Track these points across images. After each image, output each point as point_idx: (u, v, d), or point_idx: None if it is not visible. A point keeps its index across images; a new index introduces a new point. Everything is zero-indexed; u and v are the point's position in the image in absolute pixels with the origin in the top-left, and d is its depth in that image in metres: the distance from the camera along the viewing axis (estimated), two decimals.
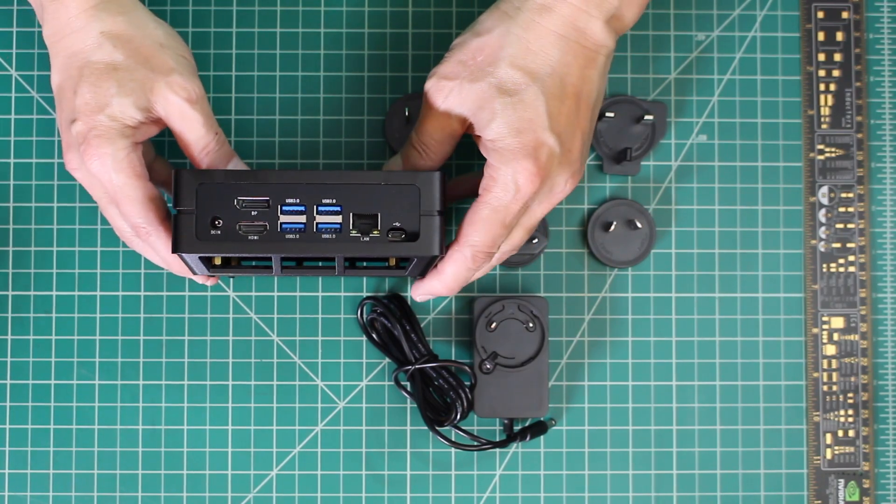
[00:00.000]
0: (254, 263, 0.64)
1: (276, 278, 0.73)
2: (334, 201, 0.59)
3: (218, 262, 0.62)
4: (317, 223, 0.59)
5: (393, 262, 0.63)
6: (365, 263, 0.67)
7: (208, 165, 0.62)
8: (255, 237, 0.59)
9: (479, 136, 0.60)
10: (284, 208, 0.59)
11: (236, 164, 0.63)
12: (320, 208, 0.59)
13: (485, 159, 0.60)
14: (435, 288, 0.65)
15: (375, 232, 0.60)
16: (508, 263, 0.72)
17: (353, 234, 0.59)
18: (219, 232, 0.59)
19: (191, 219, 0.59)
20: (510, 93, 0.58)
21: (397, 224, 0.60)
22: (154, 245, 0.63)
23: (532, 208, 0.61)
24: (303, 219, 0.59)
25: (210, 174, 0.59)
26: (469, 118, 0.60)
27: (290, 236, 0.59)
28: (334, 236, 0.59)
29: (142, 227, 0.62)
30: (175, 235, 0.59)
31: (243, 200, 0.59)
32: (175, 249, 0.59)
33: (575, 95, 0.60)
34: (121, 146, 0.60)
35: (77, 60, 0.61)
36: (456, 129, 0.61)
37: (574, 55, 0.59)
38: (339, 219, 0.59)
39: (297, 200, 0.59)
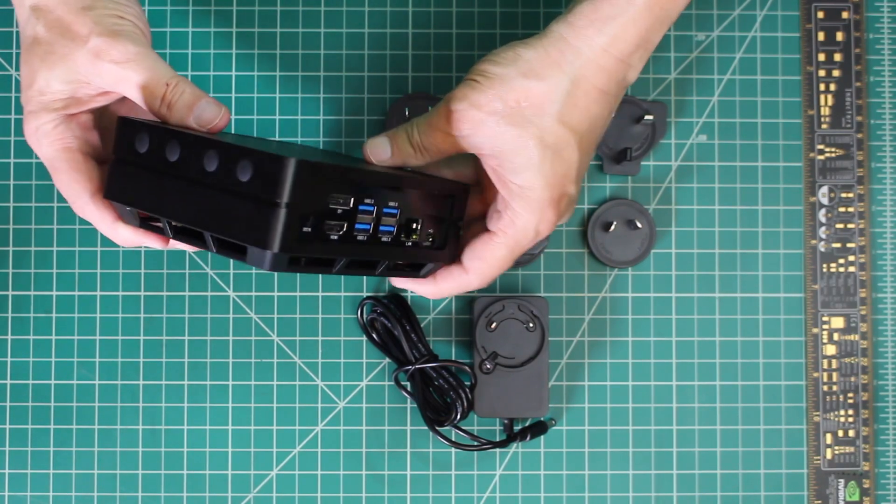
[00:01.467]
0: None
1: (276, 278, 0.73)
2: (396, 205, 0.57)
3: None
4: (379, 226, 0.57)
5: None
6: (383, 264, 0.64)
7: (173, 120, 0.58)
8: (336, 237, 0.54)
9: (499, 174, 0.59)
10: (361, 207, 0.55)
11: (204, 109, 0.58)
12: (385, 210, 0.57)
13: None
14: (424, 292, 0.64)
15: (415, 237, 0.59)
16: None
17: (402, 238, 0.58)
18: (310, 230, 0.53)
19: (292, 218, 0.52)
20: (551, 147, 0.58)
21: (431, 230, 0.60)
22: (88, 219, 0.60)
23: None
24: (370, 219, 0.56)
25: (313, 166, 0.52)
26: (493, 155, 0.59)
27: (361, 237, 0.56)
28: (390, 240, 0.58)
29: (72, 200, 0.60)
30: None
31: (334, 197, 0.54)
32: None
33: (596, 142, 0.61)
34: (46, 119, 0.58)
35: (21, 37, 0.60)
36: (463, 150, 0.60)
37: (609, 107, 0.60)
38: (393, 221, 0.57)
39: (372, 201, 0.56)
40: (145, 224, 0.59)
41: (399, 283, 0.65)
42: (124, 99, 0.61)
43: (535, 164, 0.58)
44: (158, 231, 0.59)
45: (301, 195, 0.51)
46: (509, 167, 0.58)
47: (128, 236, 0.60)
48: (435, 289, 0.63)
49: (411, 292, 0.67)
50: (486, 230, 0.61)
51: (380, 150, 0.61)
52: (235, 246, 0.53)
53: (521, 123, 0.58)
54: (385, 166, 0.60)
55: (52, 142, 0.59)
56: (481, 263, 0.61)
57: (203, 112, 0.58)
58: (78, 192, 0.59)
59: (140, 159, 0.56)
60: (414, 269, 0.62)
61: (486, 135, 0.58)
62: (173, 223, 0.56)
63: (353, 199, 0.54)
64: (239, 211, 0.52)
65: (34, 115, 0.59)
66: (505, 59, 0.59)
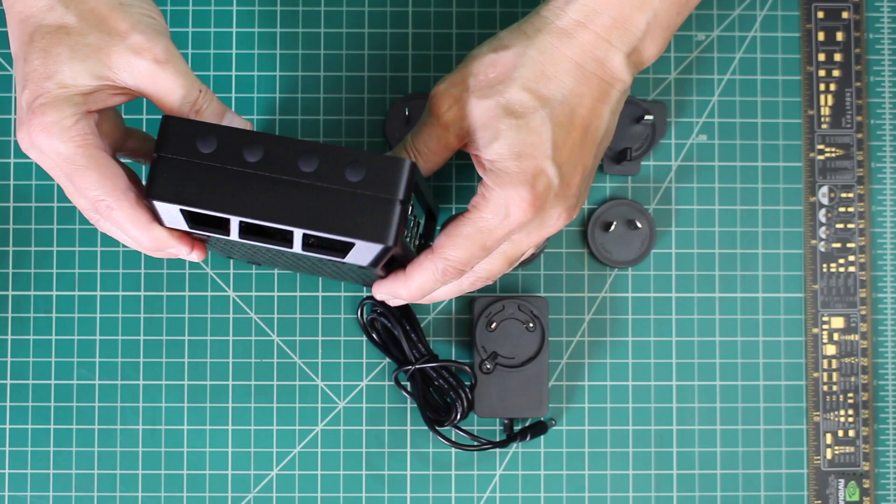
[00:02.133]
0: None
1: (276, 278, 0.73)
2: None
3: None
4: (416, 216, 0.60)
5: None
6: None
7: None
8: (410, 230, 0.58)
9: (476, 154, 0.58)
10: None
11: (232, 119, 0.58)
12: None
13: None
14: (398, 292, 0.61)
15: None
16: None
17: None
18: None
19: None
20: (517, 115, 0.56)
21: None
22: (118, 220, 0.57)
23: (519, 238, 0.59)
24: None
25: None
26: (469, 134, 0.58)
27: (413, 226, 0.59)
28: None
29: (100, 200, 0.56)
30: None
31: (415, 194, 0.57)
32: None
33: (583, 128, 0.57)
34: (68, 114, 0.55)
35: (28, 26, 0.56)
36: (451, 142, 0.59)
37: (588, 86, 0.57)
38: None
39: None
40: (194, 227, 0.57)
41: (377, 290, 0.63)
42: (102, 115, 0.59)
43: (501, 133, 0.56)
44: (206, 232, 0.57)
45: (407, 193, 0.55)
46: (481, 142, 0.57)
47: (164, 239, 0.58)
48: (404, 284, 0.60)
49: (390, 298, 0.65)
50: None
51: None
52: (329, 243, 0.55)
53: (489, 94, 0.57)
54: None
55: (72, 137, 0.55)
56: (446, 239, 0.58)
57: (232, 122, 0.58)
58: (108, 190, 0.56)
59: (200, 158, 0.54)
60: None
61: (461, 115, 0.57)
62: (243, 222, 0.55)
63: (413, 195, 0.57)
64: (350, 209, 0.54)
65: (51, 107, 0.55)
66: (483, 42, 0.59)
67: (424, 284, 0.60)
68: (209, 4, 0.74)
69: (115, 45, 0.55)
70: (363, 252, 0.55)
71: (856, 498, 0.73)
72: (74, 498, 0.72)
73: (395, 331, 0.70)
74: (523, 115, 0.56)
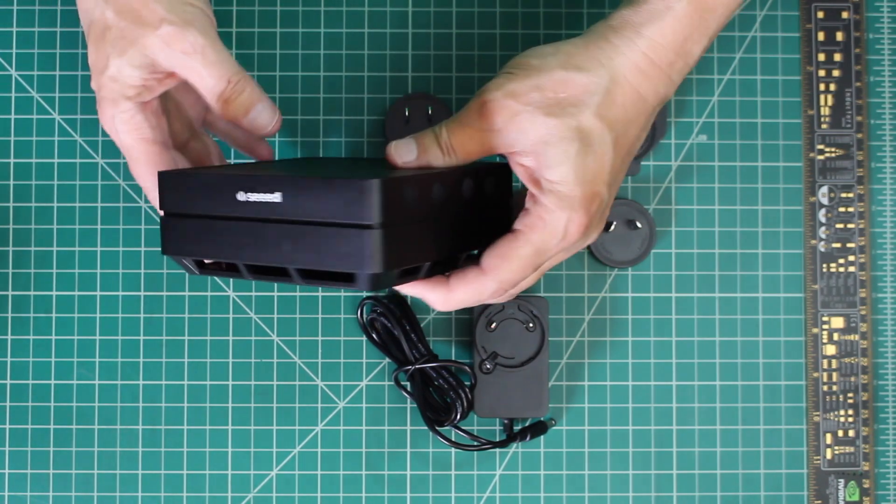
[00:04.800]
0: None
1: None
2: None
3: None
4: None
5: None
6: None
7: (228, 117, 0.60)
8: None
9: (527, 167, 0.57)
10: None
11: (259, 113, 0.60)
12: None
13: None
14: (435, 301, 0.60)
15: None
16: None
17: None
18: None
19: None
20: (586, 141, 0.56)
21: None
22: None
23: (559, 255, 0.59)
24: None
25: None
26: (526, 150, 0.56)
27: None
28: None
29: (149, 190, 0.62)
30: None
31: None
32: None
33: (629, 150, 0.59)
34: (124, 108, 0.60)
35: (86, 20, 0.61)
36: (494, 149, 0.58)
37: (645, 115, 0.58)
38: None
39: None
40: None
41: (409, 290, 0.61)
42: (184, 86, 0.62)
43: (570, 157, 0.56)
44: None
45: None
46: (543, 161, 0.56)
47: None
48: (447, 296, 0.59)
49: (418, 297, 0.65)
50: (511, 231, 0.58)
51: (404, 151, 0.58)
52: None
53: (559, 114, 0.56)
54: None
55: (129, 131, 0.60)
56: (501, 262, 0.57)
57: (258, 116, 0.60)
58: (152, 184, 0.61)
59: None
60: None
61: (520, 127, 0.56)
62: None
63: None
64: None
65: (110, 101, 0.60)
66: (544, 52, 0.58)
67: (467, 301, 0.59)
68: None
69: (148, 35, 0.58)
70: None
71: (856, 498, 0.73)
72: (74, 498, 0.72)
73: (395, 331, 0.70)
74: (593, 142, 0.56)
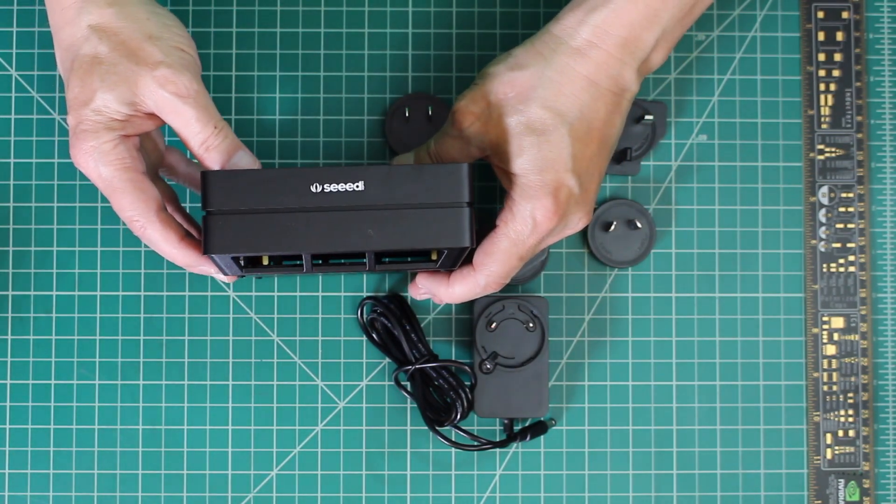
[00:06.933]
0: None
1: (276, 278, 0.73)
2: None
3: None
4: None
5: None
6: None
7: (209, 162, 0.61)
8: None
9: (500, 167, 0.62)
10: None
11: (241, 158, 0.62)
12: None
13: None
14: (439, 295, 0.66)
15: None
16: (514, 281, 0.72)
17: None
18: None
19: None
20: (538, 132, 0.60)
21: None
22: (151, 239, 0.61)
23: (544, 241, 0.63)
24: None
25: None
26: (491, 148, 0.61)
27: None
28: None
29: (135, 220, 0.61)
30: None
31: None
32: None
33: (599, 140, 0.61)
34: (106, 139, 0.59)
35: (70, 54, 0.61)
36: (474, 153, 0.63)
37: (603, 101, 0.61)
38: None
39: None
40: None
41: (418, 289, 0.68)
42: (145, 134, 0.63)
43: (524, 150, 0.60)
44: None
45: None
46: (504, 158, 0.61)
47: (194, 256, 0.62)
48: (447, 291, 0.65)
49: (427, 297, 0.68)
50: (493, 227, 0.63)
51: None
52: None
53: (510, 113, 0.60)
54: None
55: (111, 161, 0.60)
56: (486, 258, 0.62)
57: (239, 162, 0.61)
58: (142, 212, 0.60)
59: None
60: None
61: (479, 131, 0.61)
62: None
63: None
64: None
65: (91, 133, 0.59)
66: (498, 59, 0.63)
67: (465, 295, 0.65)
68: (209, 4, 0.74)
69: (141, 75, 0.59)
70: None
71: (856, 498, 0.73)
72: (74, 498, 0.72)
73: (395, 331, 0.70)
74: (544, 132, 0.60)
